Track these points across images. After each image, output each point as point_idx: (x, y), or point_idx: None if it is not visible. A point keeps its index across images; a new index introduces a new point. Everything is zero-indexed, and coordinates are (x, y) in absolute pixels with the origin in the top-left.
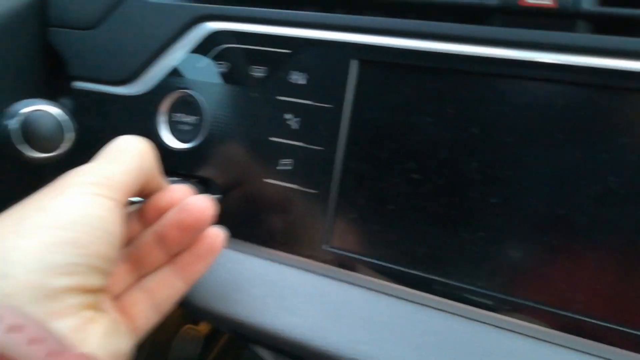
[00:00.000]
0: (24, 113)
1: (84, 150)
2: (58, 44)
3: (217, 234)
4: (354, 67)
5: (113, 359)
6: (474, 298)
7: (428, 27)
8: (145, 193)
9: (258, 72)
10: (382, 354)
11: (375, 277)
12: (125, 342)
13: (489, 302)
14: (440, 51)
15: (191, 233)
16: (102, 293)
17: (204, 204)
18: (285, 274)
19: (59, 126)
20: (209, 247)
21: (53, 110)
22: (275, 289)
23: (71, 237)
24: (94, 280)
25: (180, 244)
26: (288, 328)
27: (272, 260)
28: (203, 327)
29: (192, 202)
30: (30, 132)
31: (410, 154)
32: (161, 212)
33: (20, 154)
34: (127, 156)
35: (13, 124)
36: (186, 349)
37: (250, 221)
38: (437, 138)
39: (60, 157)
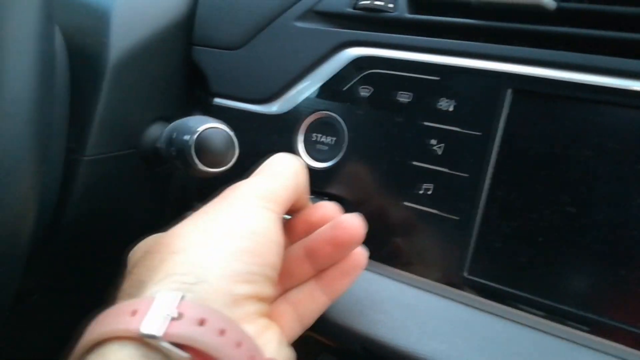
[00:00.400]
0: (202, 130)
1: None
2: (202, 61)
3: (362, 252)
4: (507, 96)
5: None
6: (631, 339)
7: (588, 60)
8: (293, 209)
9: (404, 97)
10: None
11: (520, 309)
12: (292, 353)
13: None
14: (600, 84)
15: (343, 250)
16: (270, 302)
17: (358, 222)
18: (423, 298)
19: (229, 143)
20: (355, 263)
21: (224, 127)
22: (415, 314)
23: (249, 247)
24: (267, 290)
25: (330, 260)
26: (434, 354)
27: (408, 284)
28: None
29: (347, 220)
30: (205, 147)
31: (565, 186)
32: (311, 227)
33: (191, 167)
34: (286, 173)
35: (188, 139)
36: None
37: (387, 243)
38: (596, 172)
39: (223, 173)
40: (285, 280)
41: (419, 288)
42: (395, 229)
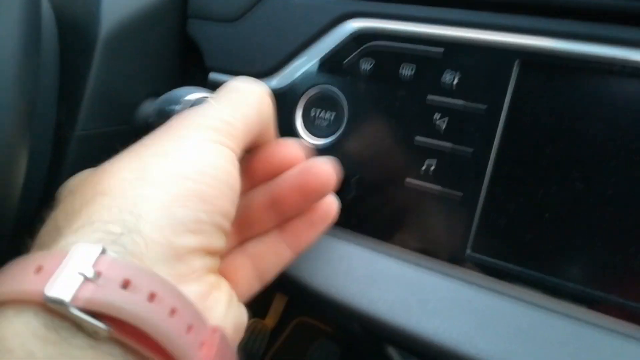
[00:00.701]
0: (190, 100)
1: None
2: (197, 35)
3: (332, 201)
4: (514, 68)
5: (237, 332)
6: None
7: (599, 30)
8: (255, 146)
9: (406, 70)
10: None
11: (524, 286)
12: (244, 312)
13: None
14: (611, 56)
15: (312, 198)
16: (221, 256)
17: (329, 168)
18: (425, 276)
19: None
20: (324, 214)
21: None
22: (417, 292)
23: (198, 190)
24: (218, 241)
25: (297, 209)
26: (435, 332)
27: (411, 262)
28: (269, 321)
29: (317, 165)
30: None
31: (573, 161)
32: (274, 169)
33: None
34: (247, 100)
35: (179, 109)
36: (251, 342)
37: (388, 221)
38: (606, 146)
39: None
40: (244, 230)
41: (421, 266)
42: (396, 207)
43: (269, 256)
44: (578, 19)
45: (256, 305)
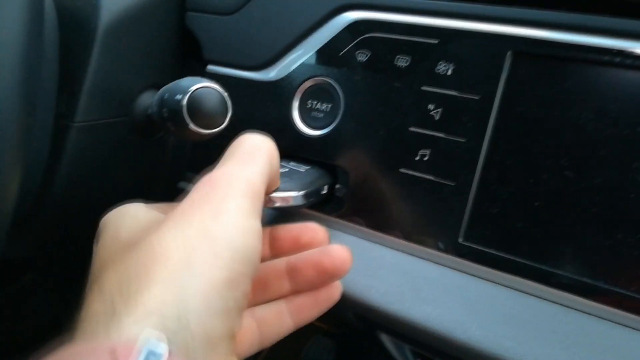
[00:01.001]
0: (194, 89)
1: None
2: (195, 27)
3: (339, 287)
4: (506, 59)
5: None
6: (628, 303)
7: (589, 21)
8: (265, 193)
9: (402, 61)
10: (530, 353)
11: (515, 275)
12: None
13: None
14: (602, 46)
15: (326, 278)
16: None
17: (347, 255)
18: (419, 265)
19: (223, 103)
20: (330, 296)
21: (218, 87)
22: (410, 280)
23: (234, 278)
24: (239, 323)
25: (309, 284)
26: (427, 318)
27: (404, 251)
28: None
29: (336, 250)
30: (198, 107)
31: (564, 150)
32: (297, 246)
33: (184, 129)
34: (261, 156)
35: (184, 99)
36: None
37: (382, 210)
38: (596, 135)
39: (215, 135)
40: (258, 293)
41: (414, 255)
42: (391, 196)
43: (273, 324)
44: (569, 10)
45: None
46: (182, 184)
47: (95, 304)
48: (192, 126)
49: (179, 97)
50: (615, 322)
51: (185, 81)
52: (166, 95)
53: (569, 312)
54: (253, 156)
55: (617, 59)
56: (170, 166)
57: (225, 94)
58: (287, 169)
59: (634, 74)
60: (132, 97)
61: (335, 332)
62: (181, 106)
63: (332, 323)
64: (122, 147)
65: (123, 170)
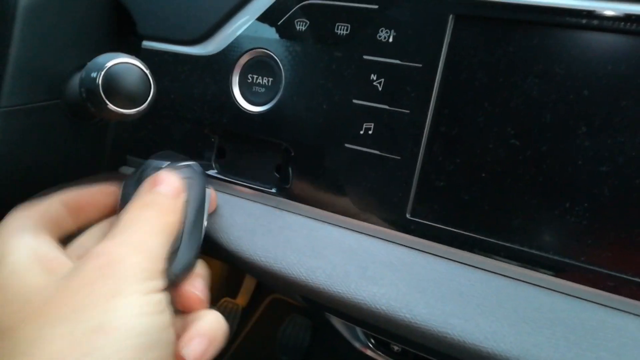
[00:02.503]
0: (110, 65)
1: (153, 113)
2: (128, 2)
3: None
4: (448, 23)
5: None
6: (576, 274)
7: None
8: None
9: (342, 29)
10: (476, 329)
11: (463, 249)
12: None
13: (594, 279)
14: (545, 4)
15: None
16: None
17: None
18: (365, 243)
19: (142, 80)
20: None
21: (137, 62)
22: (356, 258)
23: None
24: None
25: None
26: (372, 298)
27: (350, 228)
28: (241, 300)
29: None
30: (114, 85)
31: (509, 117)
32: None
33: (103, 110)
34: (157, 222)
35: (99, 76)
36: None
37: (327, 188)
38: (541, 100)
39: (139, 115)
40: None
41: (361, 232)
42: (335, 173)
43: None
44: None
45: (227, 285)
46: (124, 169)
47: None
48: (110, 106)
49: (94, 74)
50: (565, 294)
51: (101, 57)
52: (84, 74)
53: (517, 285)
54: (153, 219)
55: (561, 19)
56: (111, 151)
57: (147, 71)
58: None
59: (579, 34)
60: (62, 79)
61: (312, 309)
62: (97, 85)
63: (279, 292)
64: (55, 132)
65: (59, 156)
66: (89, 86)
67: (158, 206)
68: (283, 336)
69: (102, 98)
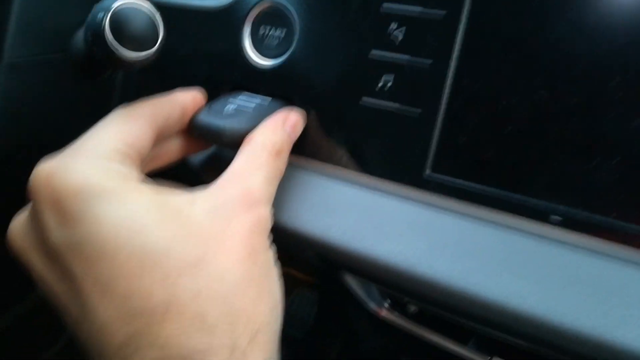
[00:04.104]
0: (117, 6)
1: (160, 71)
2: None
3: None
4: None
5: None
6: (606, 231)
7: None
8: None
9: None
10: (499, 286)
11: (485, 206)
12: None
13: (625, 236)
14: None
15: None
16: None
17: None
18: (383, 201)
19: (151, 20)
20: None
21: (146, 4)
22: (373, 216)
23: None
24: None
25: None
26: (389, 255)
27: (367, 187)
28: None
29: None
30: (122, 25)
31: (538, 69)
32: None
33: (111, 54)
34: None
35: (106, 17)
36: None
37: (342, 144)
38: (572, 49)
39: (148, 61)
40: None
41: (378, 190)
42: (351, 129)
43: None
44: None
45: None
46: None
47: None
48: (117, 48)
49: (100, 15)
50: (592, 251)
51: (105, 1)
52: (89, 17)
53: (542, 242)
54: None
55: None
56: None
57: (156, 13)
58: (235, 106)
59: None
60: (67, 32)
61: (318, 284)
62: (103, 26)
63: (312, 274)
64: (60, 88)
65: (63, 113)
66: (95, 29)
67: (283, 154)
68: (290, 310)
69: (109, 40)
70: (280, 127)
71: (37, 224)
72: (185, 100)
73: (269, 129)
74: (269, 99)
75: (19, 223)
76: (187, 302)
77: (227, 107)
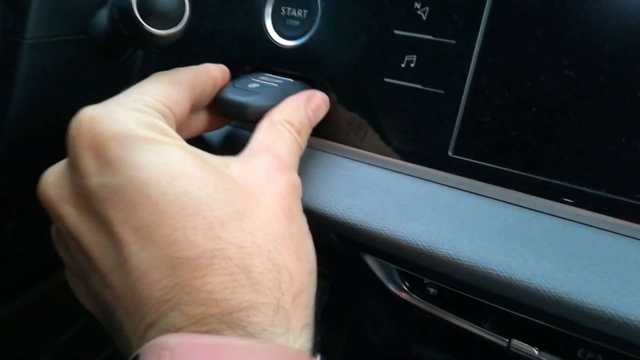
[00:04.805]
0: None
1: (181, 50)
2: None
3: None
4: None
5: None
6: (632, 212)
7: None
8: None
9: None
10: (524, 265)
11: (509, 187)
12: None
13: None
14: None
15: None
16: None
17: None
18: (405, 182)
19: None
20: None
21: None
22: (395, 197)
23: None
24: None
25: None
26: (412, 235)
27: (390, 168)
28: None
29: None
30: (150, 2)
31: (564, 47)
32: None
33: (137, 31)
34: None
35: None
36: None
37: (364, 125)
38: (600, 27)
39: (174, 39)
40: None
41: (401, 172)
42: (373, 110)
43: None
44: None
45: None
46: None
47: (248, 294)
48: (145, 25)
49: None
50: (617, 233)
51: None
52: None
53: (567, 224)
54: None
55: None
56: None
57: None
58: (258, 84)
59: None
60: (88, 14)
61: (329, 273)
62: (130, 2)
63: (325, 265)
64: (81, 68)
65: (83, 94)
66: (122, 5)
67: (303, 134)
68: None
69: (136, 16)
70: (303, 106)
71: (75, 171)
72: (217, 73)
73: (291, 107)
74: (291, 80)
75: (53, 173)
76: (231, 255)
77: (251, 84)
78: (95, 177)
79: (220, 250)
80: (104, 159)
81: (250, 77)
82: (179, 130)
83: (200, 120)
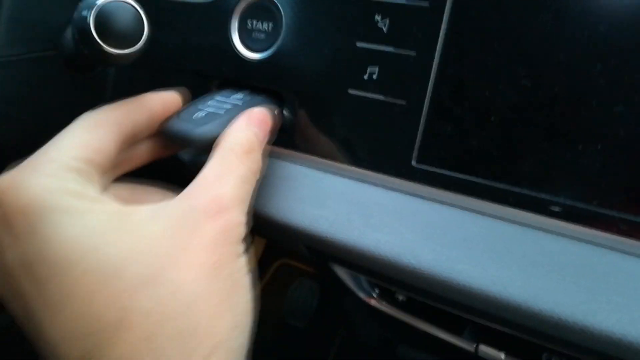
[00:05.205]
0: (102, 3)
1: (150, 66)
2: None
3: None
4: None
5: None
6: (589, 218)
7: None
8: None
9: None
10: (483, 274)
11: (470, 195)
12: None
13: (607, 223)
14: None
15: None
16: None
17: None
18: (370, 192)
19: (135, 18)
20: None
21: (130, 1)
22: (360, 207)
23: None
24: None
25: None
26: (376, 245)
27: (354, 178)
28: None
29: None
30: (106, 23)
31: (521, 57)
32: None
33: (96, 51)
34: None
35: (90, 14)
36: None
37: (330, 136)
38: (555, 38)
39: (134, 57)
40: None
41: (365, 181)
42: (338, 120)
43: None
44: None
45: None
46: None
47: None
48: (103, 46)
49: (85, 13)
50: (576, 239)
51: None
52: (75, 14)
53: (526, 230)
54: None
55: None
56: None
57: (141, 9)
58: (205, 113)
59: None
60: (58, 29)
61: (319, 275)
62: (88, 23)
63: (282, 243)
64: (52, 85)
65: (56, 110)
66: (81, 25)
67: (254, 153)
68: (291, 300)
69: (94, 37)
70: (245, 126)
71: None
72: (154, 104)
73: (235, 131)
74: (247, 98)
75: None
76: (137, 322)
77: (197, 114)
78: (8, 251)
79: (126, 318)
80: (15, 233)
81: (197, 106)
82: (119, 164)
83: (145, 150)
